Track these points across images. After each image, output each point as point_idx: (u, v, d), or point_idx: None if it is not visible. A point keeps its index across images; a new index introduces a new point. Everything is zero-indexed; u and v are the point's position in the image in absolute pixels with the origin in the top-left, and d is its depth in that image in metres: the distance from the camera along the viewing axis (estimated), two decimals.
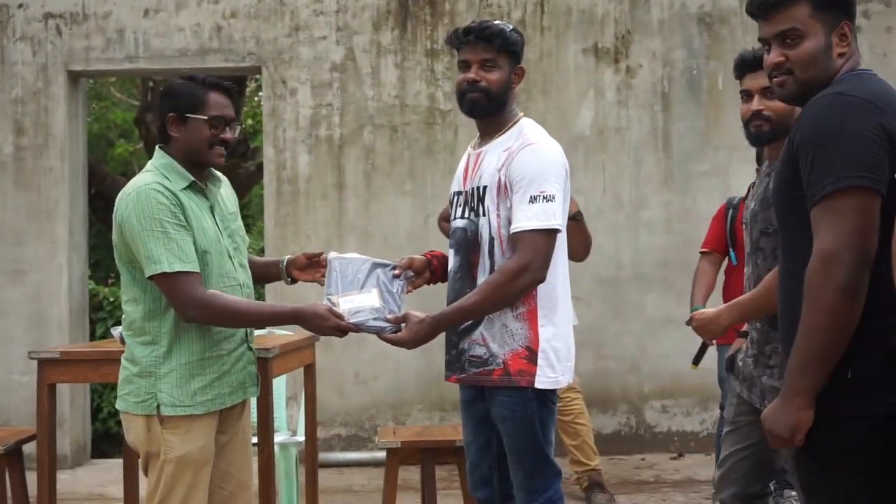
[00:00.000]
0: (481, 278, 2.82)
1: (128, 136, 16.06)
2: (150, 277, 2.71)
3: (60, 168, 6.27)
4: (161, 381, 2.76)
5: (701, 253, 4.53)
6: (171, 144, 2.84)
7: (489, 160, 2.88)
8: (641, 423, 6.33)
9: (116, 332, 3.65)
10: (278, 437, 4.49)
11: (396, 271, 2.88)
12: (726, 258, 4.50)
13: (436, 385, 6.28)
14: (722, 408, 4.95)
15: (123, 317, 2.87)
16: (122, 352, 3.50)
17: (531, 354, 2.78)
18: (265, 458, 3.40)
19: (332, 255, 2.92)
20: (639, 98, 6.42)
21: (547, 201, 2.75)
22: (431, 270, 3.02)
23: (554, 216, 2.76)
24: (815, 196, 2.02)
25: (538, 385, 2.78)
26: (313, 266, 3.06)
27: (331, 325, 2.75)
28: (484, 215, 2.84)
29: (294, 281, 3.10)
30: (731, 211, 4.48)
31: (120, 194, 2.80)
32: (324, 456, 6.15)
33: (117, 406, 2.88)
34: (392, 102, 6.38)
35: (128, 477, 4.18)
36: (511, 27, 2.98)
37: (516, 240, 2.75)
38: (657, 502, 5.14)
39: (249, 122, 15.49)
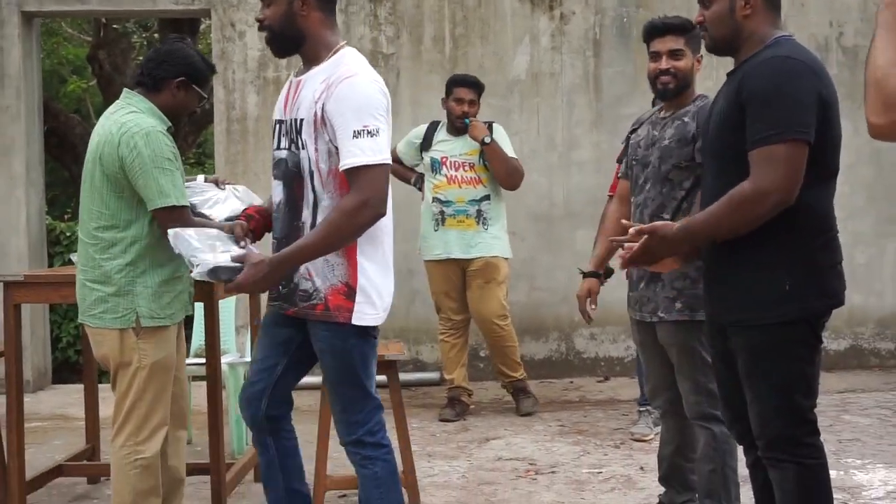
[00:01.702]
0: (306, 211, 2.80)
1: (80, 73, 16.03)
2: (155, 209, 3.11)
3: (16, 106, 6.50)
4: (139, 297, 3.19)
5: (609, 197, 4.91)
6: (158, 97, 3.24)
7: (307, 91, 2.79)
8: (571, 350, 6.80)
9: (75, 257, 3.99)
10: (227, 358, 4.88)
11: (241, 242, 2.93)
12: None
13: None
14: None
15: (94, 242, 3.20)
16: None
17: (350, 291, 2.77)
18: (212, 372, 3.77)
19: (171, 231, 2.95)
20: (572, 44, 6.77)
21: (371, 136, 2.69)
22: (252, 230, 3.03)
23: (381, 150, 2.72)
24: (757, 142, 2.46)
25: (355, 321, 2.78)
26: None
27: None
28: (303, 148, 2.78)
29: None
30: None
31: (120, 131, 3.12)
32: None
33: (89, 323, 3.24)
34: None
35: (88, 399, 4.54)
36: None
37: (349, 176, 2.70)
38: (579, 418, 5.61)
39: None
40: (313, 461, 3.88)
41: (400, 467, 4.03)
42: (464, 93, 5.59)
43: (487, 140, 5.47)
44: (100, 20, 11.58)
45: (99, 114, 15.01)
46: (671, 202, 3.32)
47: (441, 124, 5.74)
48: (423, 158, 5.70)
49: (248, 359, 4.82)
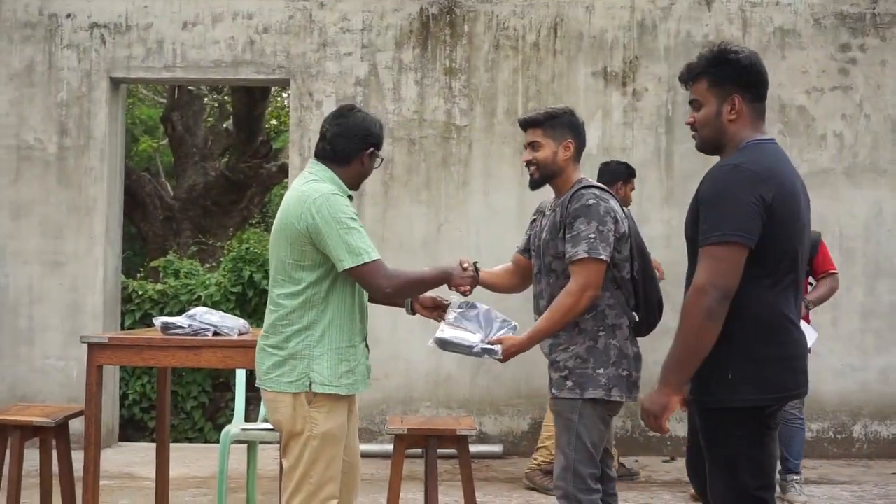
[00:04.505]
0: None
1: (151, 133, 16.50)
2: (351, 268, 3.13)
3: (100, 168, 6.71)
4: (314, 362, 3.18)
5: None
6: (343, 167, 3.30)
7: None
8: (636, 427, 6.70)
9: (158, 321, 4.08)
10: None
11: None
12: None
13: (444, 384, 6.69)
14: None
15: (276, 308, 3.23)
16: (163, 339, 3.94)
17: None
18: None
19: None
20: (644, 120, 6.81)
21: None
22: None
23: None
24: (702, 241, 2.68)
25: None
26: (436, 308, 3.53)
27: (463, 274, 3.41)
28: None
29: (414, 313, 3.54)
30: None
31: (301, 200, 3.19)
32: None
33: (265, 387, 3.23)
34: (411, 117, 6.78)
35: (160, 460, 4.58)
36: None
37: None
38: (646, 499, 5.51)
39: (273, 122, 15.92)
40: None
41: None
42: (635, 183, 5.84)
43: None
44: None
45: (168, 173, 15.45)
46: (559, 292, 3.34)
47: None
48: None
49: None
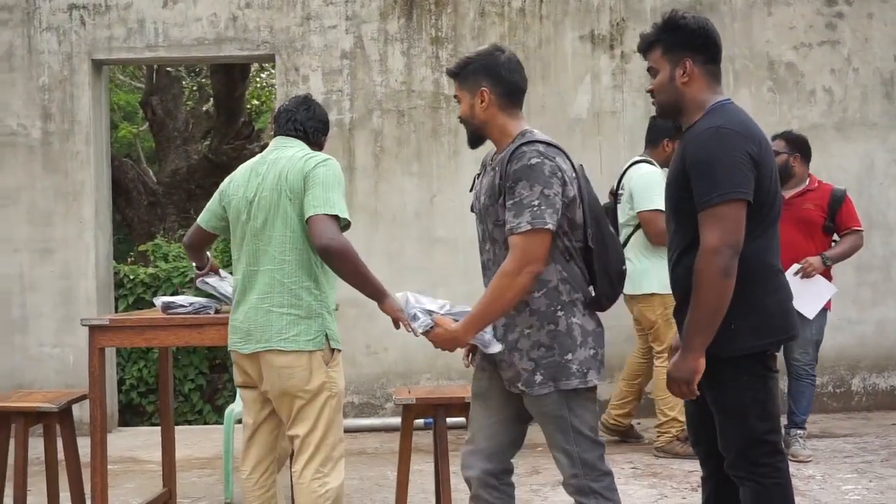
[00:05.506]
0: None
1: (130, 119, 16.31)
2: (316, 215, 3.17)
3: (86, 152, 6.62)
4: (326, 319, 3.27)
5: None
6: (317, 147, 3.48)
7: None
8: None
9: (159, 301, 4.02)
10: None
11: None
12: None
13: (442, 355, 6.65)
14: None
15: (280, 266, 3.24)
16: (164, 319, 3.89)
17: None
18: None
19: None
20: (633, 83, 6.77)
21: None
22: None
23: None
24: (703, 204, 2.75)
25: None
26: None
27: (396, 309, 3.12)
28: None
29: None
30: None
31: (304, 158, 3.32)
32: None
33: (281, 347, 3.20)
34: (399, 88, 6.72)
35: (165, 442, 4.55)
36: None
37: None
38: (651, 460, 5.53)
39: (255, 102, 15.76)
40: None
41: None
42: None
43: None
44: (153, 66, 11.79)
45: (149, 158, 15.27)
46: (502, 259, 2.92)
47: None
48: None
49: None
